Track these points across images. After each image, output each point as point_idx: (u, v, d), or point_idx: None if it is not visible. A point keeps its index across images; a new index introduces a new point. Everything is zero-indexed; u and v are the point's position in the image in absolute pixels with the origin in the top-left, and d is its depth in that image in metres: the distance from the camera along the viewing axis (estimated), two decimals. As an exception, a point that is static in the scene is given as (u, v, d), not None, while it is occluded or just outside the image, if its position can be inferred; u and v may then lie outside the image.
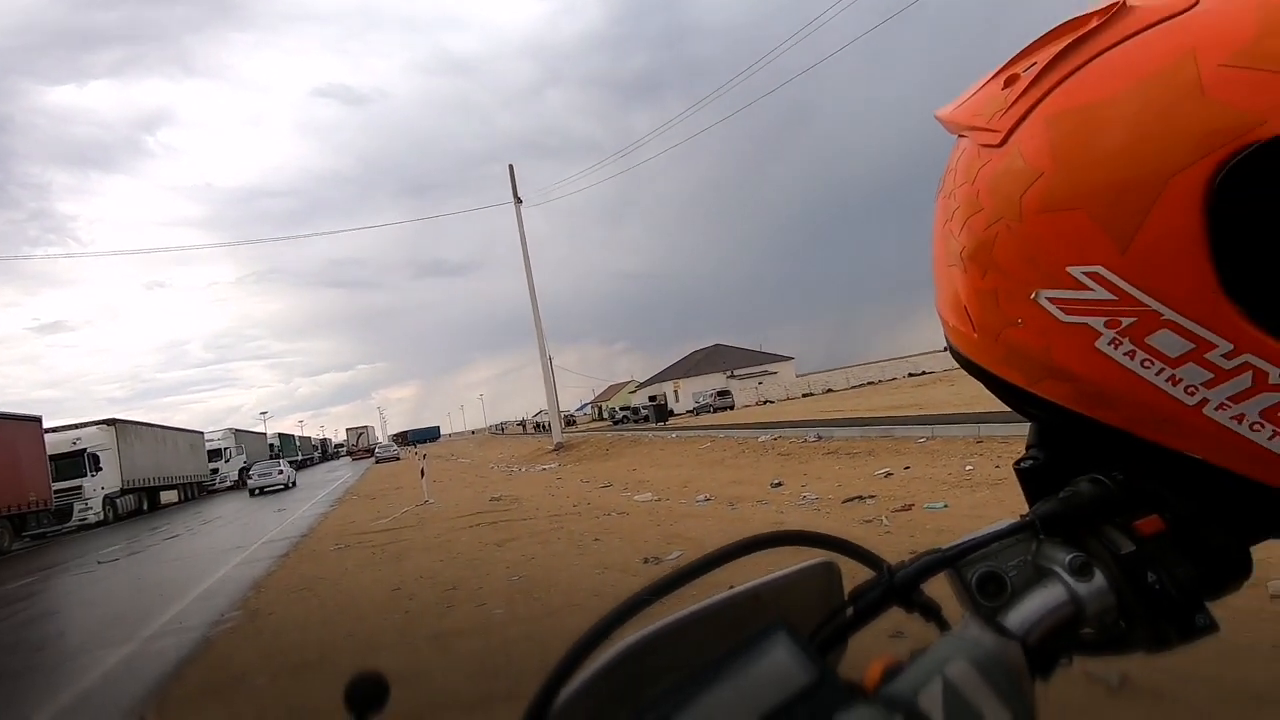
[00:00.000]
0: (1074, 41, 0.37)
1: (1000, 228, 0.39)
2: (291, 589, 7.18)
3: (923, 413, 15.85)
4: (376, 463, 47.78)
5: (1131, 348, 0.35)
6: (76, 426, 26.30)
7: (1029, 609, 0.38)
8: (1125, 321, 0.35)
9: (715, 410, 49.27)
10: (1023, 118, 0.38)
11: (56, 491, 22.48)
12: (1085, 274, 0.35)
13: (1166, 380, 0.35)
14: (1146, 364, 0.35)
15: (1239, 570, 0.37)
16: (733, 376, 62.26)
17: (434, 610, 5.37)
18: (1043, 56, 0.38)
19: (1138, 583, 0.36)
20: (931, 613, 0.41)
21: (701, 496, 10.00)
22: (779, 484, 10.19)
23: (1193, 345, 0.34)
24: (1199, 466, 0.37)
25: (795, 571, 0.48)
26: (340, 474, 39.00)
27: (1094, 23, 0.37)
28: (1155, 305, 0.34)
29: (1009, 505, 6.51)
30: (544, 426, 69.21)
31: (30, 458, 21.17)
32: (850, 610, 0.43)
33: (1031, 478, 0.45)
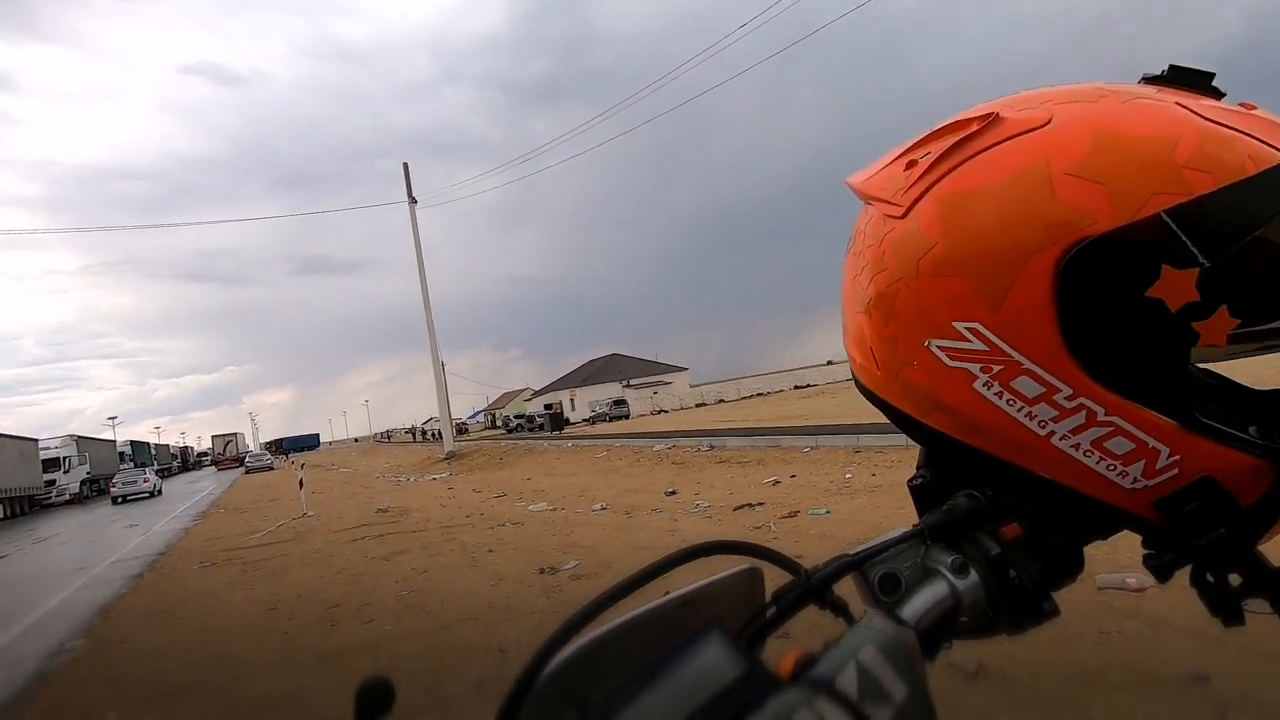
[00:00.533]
0: (960, 140, 0.45)
1: (901, 285, 0.47)
2: (147, 613, 6.55)
3: (807, 423, 16.73)
4: (247, 473, 44.26)
5: (1000, 389, 0.44)
6: None
7: (920, 602, 0.45)
8: (995, 368, 0.44)
9: (611, 419, 49.56)
10: (920, 196, 0.46)
11: None
12: (966, 328, 0.44)
13: (1025, 416, 0.44)
14: (1010, 402, 0.44)
15: (1075, 566, 0.47)
16: (629, 386, 62.88)
17: (316, 629, 5.08)
18: (935, 148, 0.47)
19: (1003, 578, 0.45)
20: (840, 609, 0.48)
21: (597, 505, 10.05)
22: (673, 492, 10.42)
23: (1044, 389, 0.43)
24: (1047, 484, 0.46)
25: (724, 577, 0.54)
26: (204, 485, 35.85)
27: (974, 127, 0.45)
28: (1017, 356, 0.43)
29: (883, 510, 7.02)
30: (435, 435, 66.82)
31: None
32: (773, 610, 0.49)
33: (920, 493, 0.53)
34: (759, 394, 57.53)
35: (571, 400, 64.30)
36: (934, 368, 0.46)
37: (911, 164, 0.48)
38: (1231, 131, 0.41)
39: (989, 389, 0.44)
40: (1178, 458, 0.42)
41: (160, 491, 31.77)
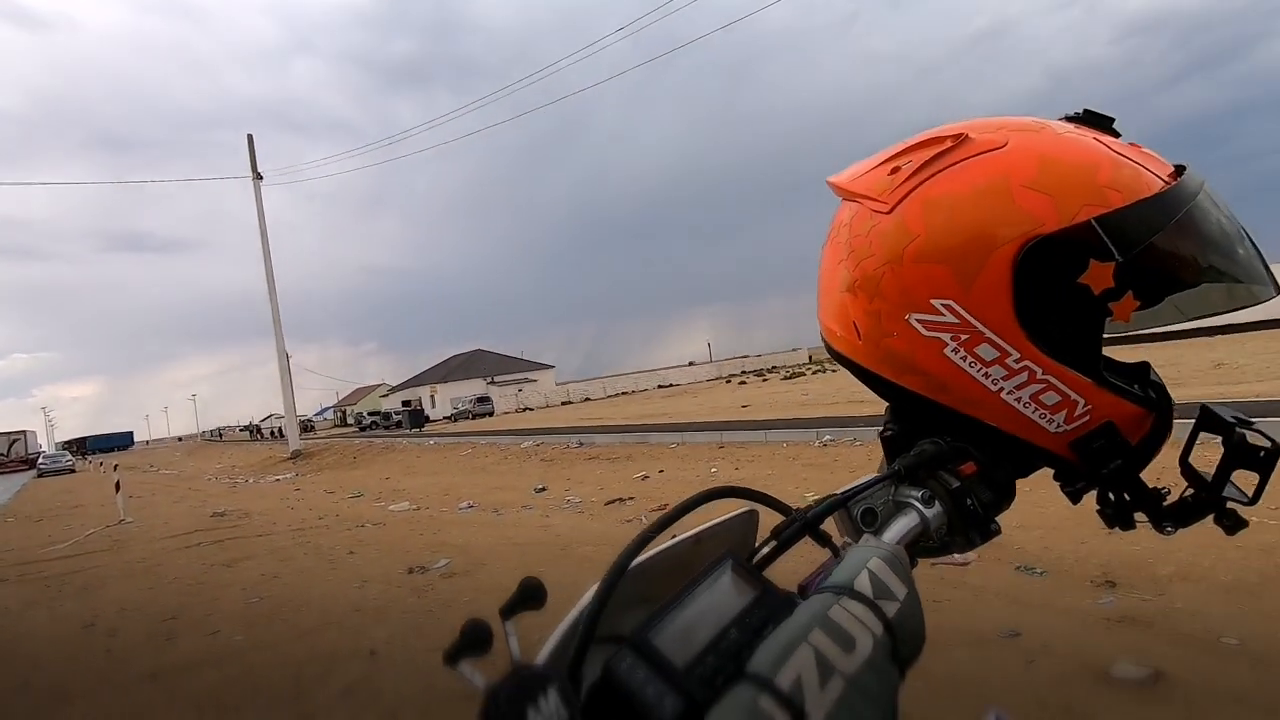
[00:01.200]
0: (939, 153, 0.56)
1: (886, 269, 0.56)
2: (-82, 640, 5.52)
3: (673, 421, 17.31)
4: (39, 476, 38.27)
5: (965, 354, 0.55)
6: None
7: (897, 528, 0.55)
8: (963, 337, 0.54)
9: (475, 417, 48.24)
10: (905, 196, 0.56)
11: None
12: (941, 304, 0.54)
13: (982, 375, 0.55)
14: (972, 365, 0.55)
15: (1011, 495, 0.59)
16: (493, 383, 61.48)
17: (148, 645, 4.55)
18: (916, 157, 0.57)
19: (961, 507, 0.56)
20: (827, 541, 0.57)
21: (464, 504, 9.79)
22: (543, 489, 10.39)
23: (999, 354, 0.54)
24: (993, 431, 0.58)
25: (727, 519, 0.61)
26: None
27: (949, 144, 0.56)
28: (981, 327, 0.54)
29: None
30: (277, 433, 61.33)
31: None
32: (773, 543, 0.57)
33: (890, 442, 0.64)
34: (624, 392, 58.52)
35: (432, 397, 61.82)
36: (912, 337, 0.56)
37: (895, 169, 0.58)
38: (1131, 162, 0.54)
39: (956, 354, 0.55)
40: (1090, 407, 0.55)
41: None
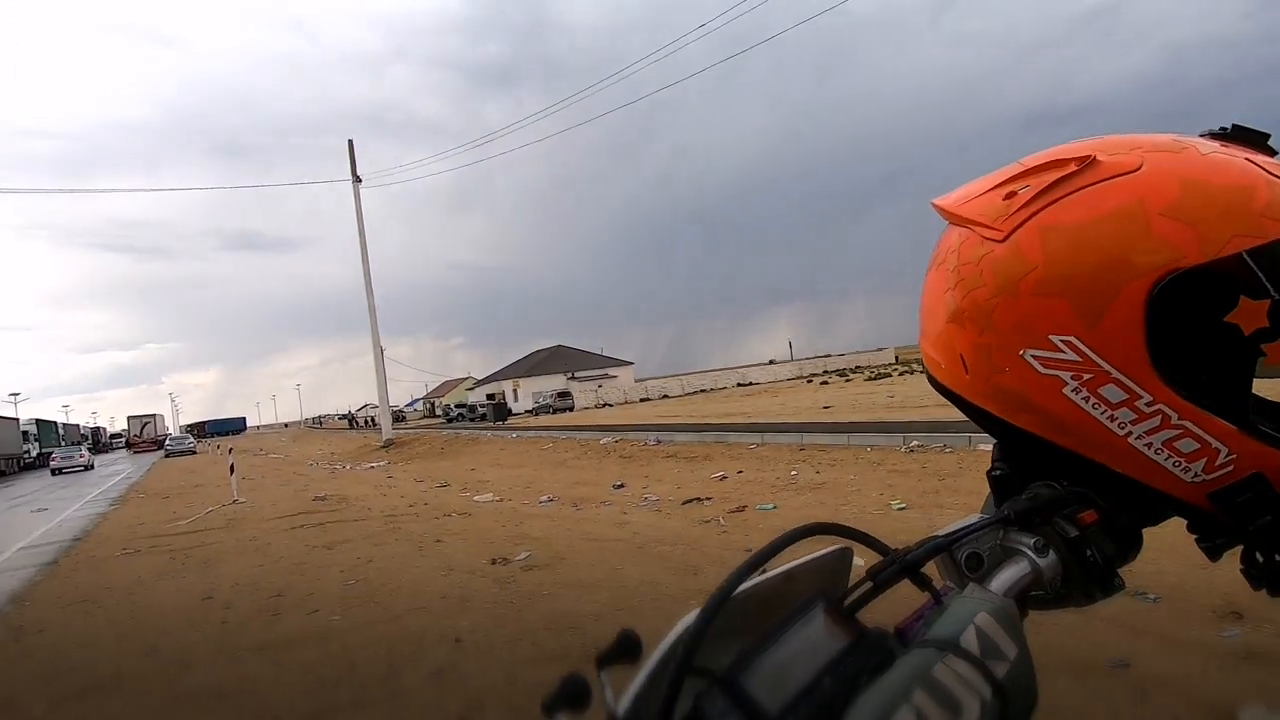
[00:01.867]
0: (1061, 178, 0.52)
1: (999, 300, 0.53)
2: (67, 601, 6.19)
3: (753, 421, 17.10)
4: (167, 456, 42.05)
5: (1088, 394, 0.51)
6: None
7: (1005, 577, 0.52)
8: (1086, 376, 0.50)
9: (555, 411, 49.30)
10: (1020, 224, 0.52)
11: None
12: (1062, 341, 0.50)
13: (1107, 418, 0.51)
14: (1096, 406, 0.51)
15: (1138, 546, 0.55)
16: (573, 378, 62.65)
17: (257, 619, 4.92)
18: (1034, 182, 0.53)
19: (1080, 558, 0.52)
20: (928, 585, 0.55)
21: (545, 497, 10.03)
22: (621, 485, 10.50)
23: (1127, 396, 0.50)
24: (1119, 477, 0.53)
25: (819, 556, 0.60)
26: (120, 468, 33.87)
27: (1072, 167, 0.52)
28: (1107, 367, 0.50)
29: (828, 506, 7.28)
30: (370, 422, 64.85)
31: None
32: (868, 584, 0.55)
33: (999, 483, 0.60)
34: (703, 390, 58.27)
35: (515, 391, 63.62)
36: (1026, 374, 0.53)
37: (1011, 195, 0.54)
38: None
39: (1077, 394, 0.51)
40: (1234, 456, 0.49)
41: (93, 466, 36.99)
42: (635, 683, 0.47)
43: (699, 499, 8.46)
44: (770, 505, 7.63)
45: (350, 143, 32.82)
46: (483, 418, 47.25)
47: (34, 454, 48.87)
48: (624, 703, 0.43)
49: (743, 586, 0.56)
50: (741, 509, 7.63)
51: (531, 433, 23.67)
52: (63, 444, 54.24)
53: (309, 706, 3.37)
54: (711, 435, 14.54)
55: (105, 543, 9.61)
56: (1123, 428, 0.51)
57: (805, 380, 50.88)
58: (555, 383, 60.96)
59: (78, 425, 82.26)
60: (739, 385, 58.88)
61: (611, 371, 66.68)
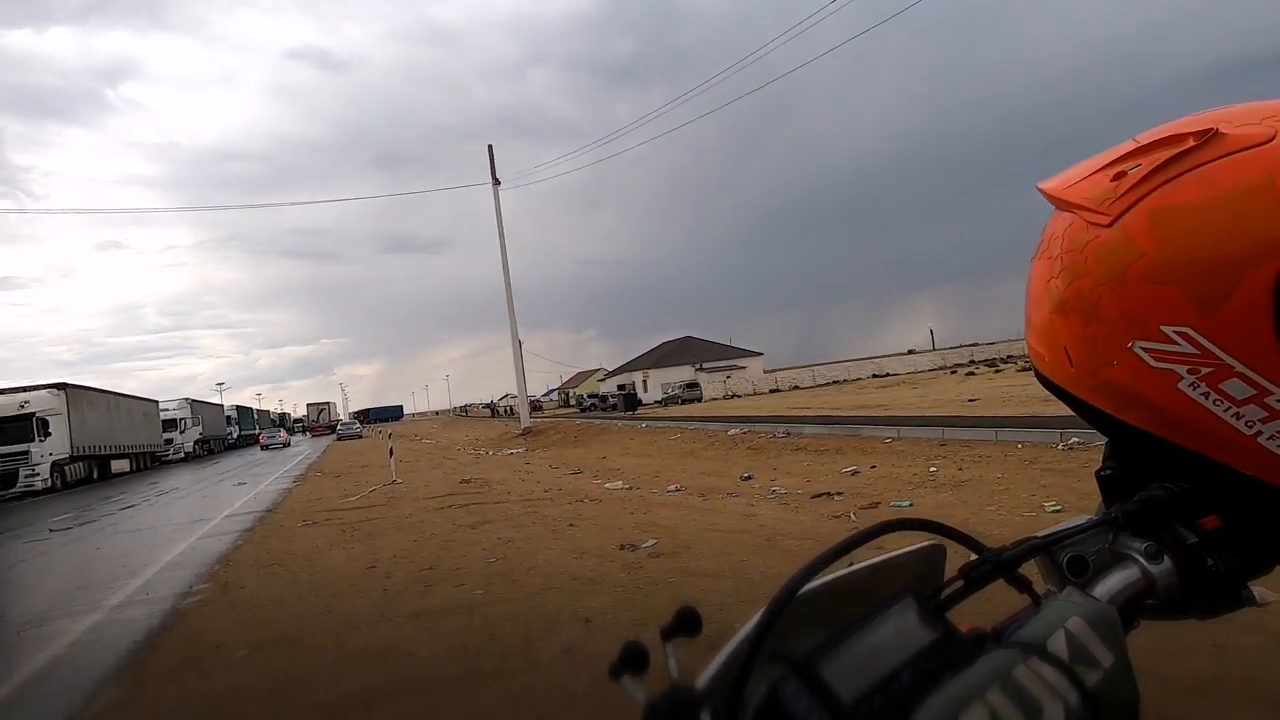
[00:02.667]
0: (1177, 155, 0.48)
1: (1105, 289, 0.50)
2: (261, 563, 7.14)
3: (889, 414, 16.28)
4: (338, 440, 47.04)
5: (1207, 390, 0.47)
6: (25, 389, 25.37)
7: (1113, 583, 0.49)
8: (1204, 370, 0.46)
9: (683, 402, 49.66)
10: (1130, 206, 0.49)
11: (1, 456, 21.70)
12: (1175, 332, 0.47)
13: (1232, 416, 0.47)
14: (1218, 403, 0.47)
15: (1274, 559, 0.50)
16: (701, 369, 62.72)
17: (412, 589, 5.42)
18: (1146, 161, 0.49)
19: (1200, 567, 0.48)
20: (1025, 586, 0.53)
21: (672, 487, 10.17)
22: (748, 477, 10.41)
23: (1255, 391, 0.45)
24: (1249, 481, 0.49)
25: (911, 551, 0.59)
26: (301, 450, 38.33)
27: (1191, 142, 0.48)
28: (1229, 360, 0.45)
29: (970, 506, 6.81)
30: (509, 410, 68.84)
31: (-26, 420, 20.41)
32: (960, 583, 0.54)
33: (1108, 483, 0.57)
34: (835, 381, 56.24)
35: (644, 381, 64.76)
36: (1136, 367, 0.49)
37: (1119, 175, 0.51)
38: None
39: (1195, 389, 0.47)
40: None
41: (289, 444, 46.73)
42: (714, 663, 0.50)
43: (829, 494, 8.22)
44: (906, 503, 7.26)
45: (490, 148, 34.77)
46: (613, 407, 48.52)
47: (235, 436, 56.54)
48: (702, 680, 0.46)
49: (827, 576, 0.57)
50: (874, 505, 7.33)
51: (660, 423, 24.02)
52: (257, 428, 62.94)
53: (455, 670, 3.68)
54: (843, 428, 14.02)
55: (290, 514, 10.95)
56: (1250, 426, 0.46)
57: (949, 371, 47.54)
58: (683, 374, 61.35)
59: (268, 411, 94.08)
60: (874, 376, 56.19)
61: (740, 362, 66.03)
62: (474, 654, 3.88)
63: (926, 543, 0.59)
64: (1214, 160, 0.47)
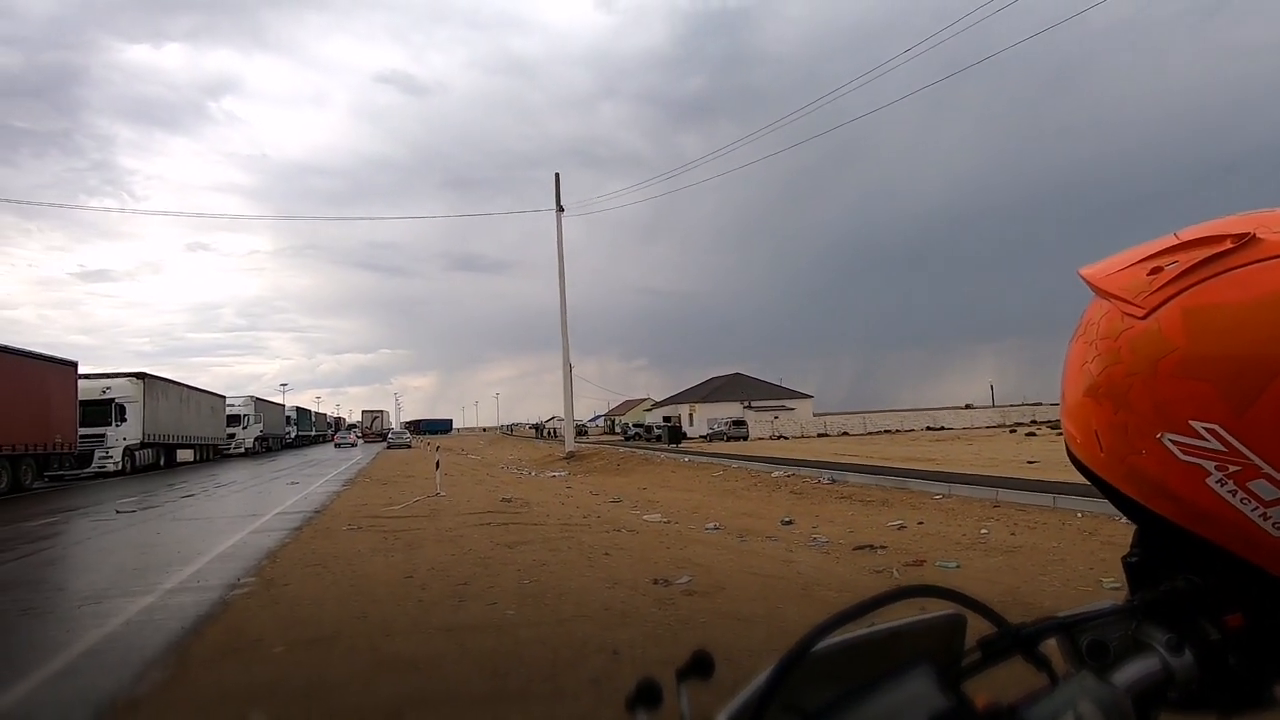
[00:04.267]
0: (1213, 255, 0.50)
1: (1136, 380, 0.52)
2: (305, 563, 7.36)
3: (940, 469, 15.75)
4: (388, 448, 48.28)
5: (1235, 488, 0.48)
6: (108, 376, 27.01)
7: (1132, 671, 0.50)
8: (1232, 468, 0.48)
9: (729, 439, 49.16)
10: (1165, 301, 0.51)
11: (81, 437, 23.09)
12: (1204, 428, 0.48)
13: (1259, 516, 0.47)
14: (1245, 501, 0.48)
15: None
16: (749, 407, 62.08)
17: (446, 603, 5.50)
18: (1183, 259, 0.51)
19: (1222, 664, 0.48)
20: (1044, 664, 0.54)
21: (711, 524, 10.05)
22: (790, 522, 10.21)
23: None
24: (1275, 582, 0.49)
25: (930, 618, 0.61)
26: (353, 454, 39.46)
27: (1229, 244, 0.50)
28: (1257, 460, 0.47)
29: (1021, 574, 6.51)
30: (553, 433, 69.29)
31: (61, 401, 21.80)
32: (978, 655, 0.55)
33: (1134, 570, 0.57)
34: (887, 430, 54.79)
35: (690, 415, 64.46)
36: (1165, 459, 0.51)
37: (1156, 270, 0.53)
38: None
39: (1222, 486, 0.48)
40: None
41: (357, 444, 54.65)
42: (727, 708, 0.52)
43: (872, 546, 7.98)
44: (953, 564, 6.99)
45: (556, 176, 35.72)
46: (658, 439, 48.41)
47: (293, 435, 58.66)
48: None
49: (847, 634, 0.59)
50: (919, 563, 7.08)
51: (704, 458, 23.83)
52: (313, 430, 65.72)
53: (482, 689, 3.71)
54: (891, 479, 13.63)
55: (336, 517, 11.27)
56: (1278, 528, 0.47)
57: (1008, 429, 45.77)
58: (731, 410, 60.81)
59: (325, 414, 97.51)
60: (928, 429, 54.51)
61: (789, 403, 65.07)
62: (501, 674, 3.91)
63: (948, 611, 0.61)
64: (1250, 264, 0.48)
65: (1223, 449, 0.48)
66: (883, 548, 7.90)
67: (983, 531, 8.62)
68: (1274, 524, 0.47)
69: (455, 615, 5.13)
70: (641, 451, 30.52)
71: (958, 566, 6.87)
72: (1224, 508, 0.49)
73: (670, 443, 42.71)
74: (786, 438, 51.23)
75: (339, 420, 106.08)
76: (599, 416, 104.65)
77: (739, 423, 53.58)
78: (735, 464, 20.09)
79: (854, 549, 7.93)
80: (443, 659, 4.16)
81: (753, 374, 72.85)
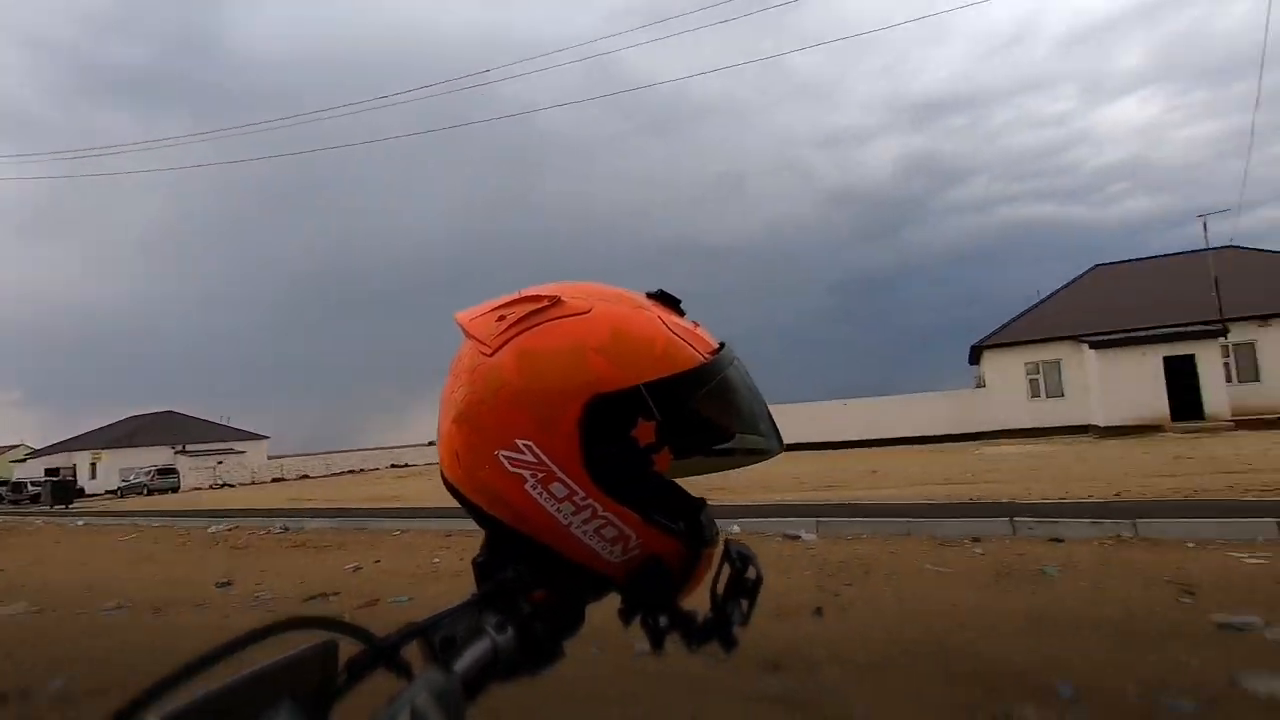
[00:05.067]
0: (534, 310, 0.64)
1: (483, 406, 0.62)
2: None
3: (400, 505, 16.13)
4: None
5: (542, 490, 0.62)
6: None
7: (469, 657, 0.58)
8: (540, 475, 0.61)
9: (151, 492, 39.96)
10: (504, 344, 0.63)
11: None
12: (524, 444, 0.61)
13: (555, 510, 0.62)
14: (548, 500, 0.62)
15: (579, 621, 0.66)
16: (183, 452, 51.86)
17: None
18: (517, 310, 0.65)
19: (529, 632, 0.61)
20: (405, 670, 0.58)
21: (111, 605, 7.90)
22: (228, 583, 8.83)
23: (568, 491, 0.62)
24: (566, 560, 0.65)
25: (298, 652, 0.59)
26: None
27: (545, 303, 0.65)
28: (554, 468, 0.61)
29: (467, 594, 7.12)
30: None
31: None
32: (344, 676, 0.56)
33: (481, 568, 0.68)
34: (351, 471, 53.35)
35: (94, 465, 50.03)
36: (500, 471, 0.62)
37: (502, 318, 0.65)
38: (681, 340, 0.68)
39: (535, 490, 0.62)
40: (640, 541, 0.64)
41: None
42: None
43: (325, 594, 7.55)
44: (404, 598, 7.17)
45: None
46: (34, 499, 35.86)
47: None
48: None
49: (202, 692, 0.52)
50: (373, 603, 7.02)
51: (110, 519, 18.69)
52: None
53: None
54: (351, 521, 13.27)
55: None
56: (566, 518, 0.62)
57: (465, 463, 50.00)
58: (159, 456, 49.74)
59: None
60: (393, 466, 55.45)
61: (239, 446, 57.01)
62: None
63: (315, 642, 0.60)
64: (555, 319, 0.64)
65: (535, 460, 0.61)
66: (335, 594, 7.56)
67: (435, 561, 9.13)
68: (563, 515, 0.63)
69: None
70: (8, 519, 22.10)
71: (409, 600, 7.08)
72: (535, 507, 0.62)
73: (57, 503, 32.29)
74: (233, 486, 44.69)
75: None
76: (-78, 474, 71.39)
77: (166, 471, 44.27)
78: (158, 521, 16.45)
79: (304, 600, 7.37)
80: None
81: (192, 413, 61.39)
